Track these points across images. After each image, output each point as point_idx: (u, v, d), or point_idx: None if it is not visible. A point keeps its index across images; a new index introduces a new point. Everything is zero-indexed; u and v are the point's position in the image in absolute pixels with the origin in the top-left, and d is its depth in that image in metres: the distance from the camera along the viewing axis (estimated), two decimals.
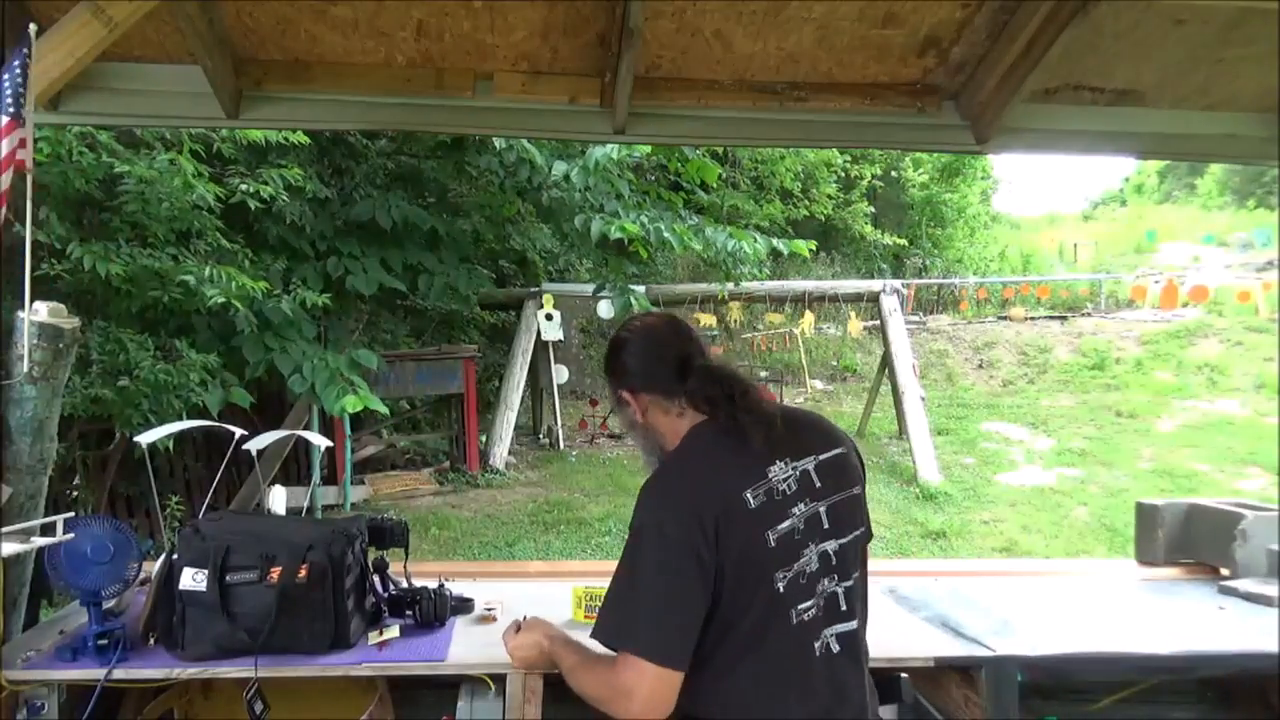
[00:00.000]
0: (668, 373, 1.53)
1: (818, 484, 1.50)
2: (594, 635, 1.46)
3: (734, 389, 1.49)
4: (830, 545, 1.48)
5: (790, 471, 1.47)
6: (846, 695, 1.49)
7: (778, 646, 1.43)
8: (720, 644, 1.41)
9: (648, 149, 6.71)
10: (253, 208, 5.70)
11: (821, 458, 1.52)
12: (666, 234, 6.56)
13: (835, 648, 1.48)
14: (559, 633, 1.75)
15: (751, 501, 1.42)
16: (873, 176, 16.30)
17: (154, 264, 5.09)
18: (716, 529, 1.38)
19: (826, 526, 1.49)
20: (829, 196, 14.73)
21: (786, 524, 1.44)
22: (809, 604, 1.45)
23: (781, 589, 1.42)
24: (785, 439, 1.49)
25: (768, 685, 1.42)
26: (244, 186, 5.53)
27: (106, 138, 4.88)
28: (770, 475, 1.45)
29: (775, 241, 7.31)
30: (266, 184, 5.65)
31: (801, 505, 1.47)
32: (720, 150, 7.51)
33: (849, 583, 1.51)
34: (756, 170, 12.03)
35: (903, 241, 16.62)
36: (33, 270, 2.03)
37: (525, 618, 1.85)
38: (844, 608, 1.50)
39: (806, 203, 14.03)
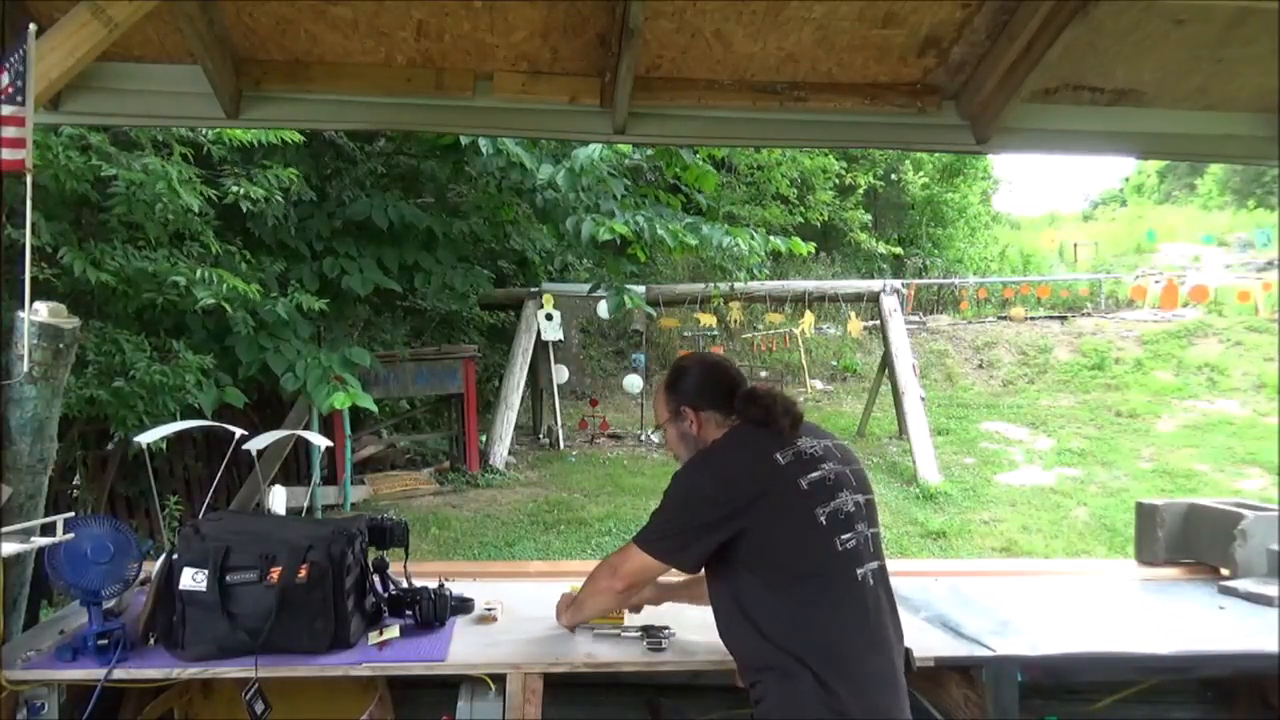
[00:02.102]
0: (725, 396, 1.92)
1: (839, 455, 1.87)
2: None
3: (777, 402, 1.87)
4: (860, 498, 1.84)
5: (817, 444, 1.85)
6: (887, 622, 1.80)
7: (830, 569, 1.75)
8: (787, 578, 1.74)
9: (644, 151, 6.69)
10: (244, 209, 5.68)
11: (839, 442, 1.93)
12: (660, 232, 6.54)
13: (871, 581, 1.78)
14: None
15: (781, 459, 1.78)
16: (871, 180, 16.27)
17: (149, 266, 5.09)
18: (749, 483, 1.76)
19: (854, 484, 1.84)
20: (824, 203, 14.70)
21: (818, 473, 1.78)
22: (849, 536, 1.77)
23: (823, 521, 1.75)
24: (809, 429, 1.90)
25: (829, 605, 1.73)
26: (235, 188, 5.52)
27: (100, 139, 4.86)
28: (799, 444, 1.82)
29: (773, 239, 7.29)
30: (259, 185, 5.63)
31: (830, 464, 1.82)
32: (718, 156, 7.46)
33: (876, 529, 1.87)
34: (753, 176, 11.99)
35: (898, 250, 16.60)
36: (20, 276, 2.03)
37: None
38: (873, 549, 1.83)
39: (803, 209, 14.00)
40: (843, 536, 1.76)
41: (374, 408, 6.77)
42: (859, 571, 1.77)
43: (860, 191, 16.29)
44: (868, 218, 16.40)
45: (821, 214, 14.53)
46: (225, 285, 5.16)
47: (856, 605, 1.75)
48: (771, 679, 1.72)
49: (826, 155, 13.64)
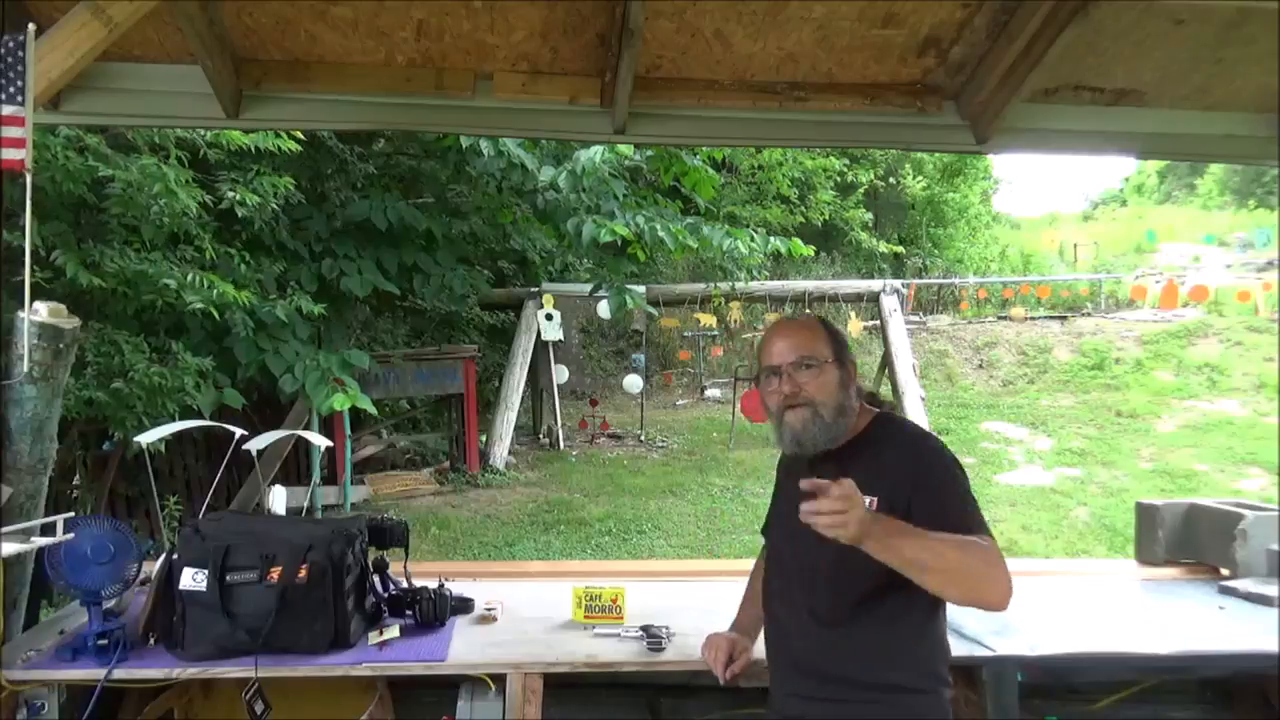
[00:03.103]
0: None
1: None
2: (974, 531, 1.58)
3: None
4: None
5: None
6: None
7: None
8: None
9: (645, 152, 6.70)
10: (240, 215, 5.67)
11: None
12: (661, 234, 6.54)
13: None
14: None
15: None
16: (872, 180, 16.27)
17: (147, 268, 5.08)
18: None
19: None
20: (825, 203, 14.72)
21: None
22: None
23: None
24: None
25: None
26: (231, 193, 5.49)
27: (96, 141, 4.85)
28: None
29: (774, 240, 7.29)
30: (255, 193, 5.61)
31: None
32: (719, 157, 7.46)
33: None
34: (754, 176, 12.00)
35: (898, 250, 16.61)
36: (18, 276, 2.03)
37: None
38: None
39: (804, 209, 14.03)
40: None
41: (373, 409, 6.78)
42: None
43: (861, 191, 16.29)
44: (868, 217, 16.41)
45: (822, 213, 14.55)
46: (216, 291, 5.15)
47: None
48: (908, 700, 1.63)
49: (828, 155, 13.64)
